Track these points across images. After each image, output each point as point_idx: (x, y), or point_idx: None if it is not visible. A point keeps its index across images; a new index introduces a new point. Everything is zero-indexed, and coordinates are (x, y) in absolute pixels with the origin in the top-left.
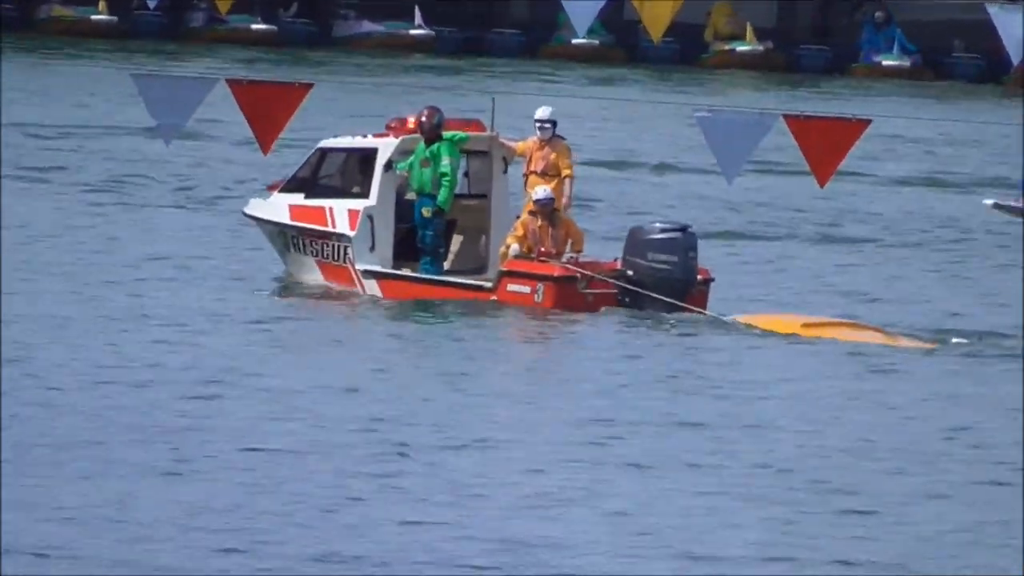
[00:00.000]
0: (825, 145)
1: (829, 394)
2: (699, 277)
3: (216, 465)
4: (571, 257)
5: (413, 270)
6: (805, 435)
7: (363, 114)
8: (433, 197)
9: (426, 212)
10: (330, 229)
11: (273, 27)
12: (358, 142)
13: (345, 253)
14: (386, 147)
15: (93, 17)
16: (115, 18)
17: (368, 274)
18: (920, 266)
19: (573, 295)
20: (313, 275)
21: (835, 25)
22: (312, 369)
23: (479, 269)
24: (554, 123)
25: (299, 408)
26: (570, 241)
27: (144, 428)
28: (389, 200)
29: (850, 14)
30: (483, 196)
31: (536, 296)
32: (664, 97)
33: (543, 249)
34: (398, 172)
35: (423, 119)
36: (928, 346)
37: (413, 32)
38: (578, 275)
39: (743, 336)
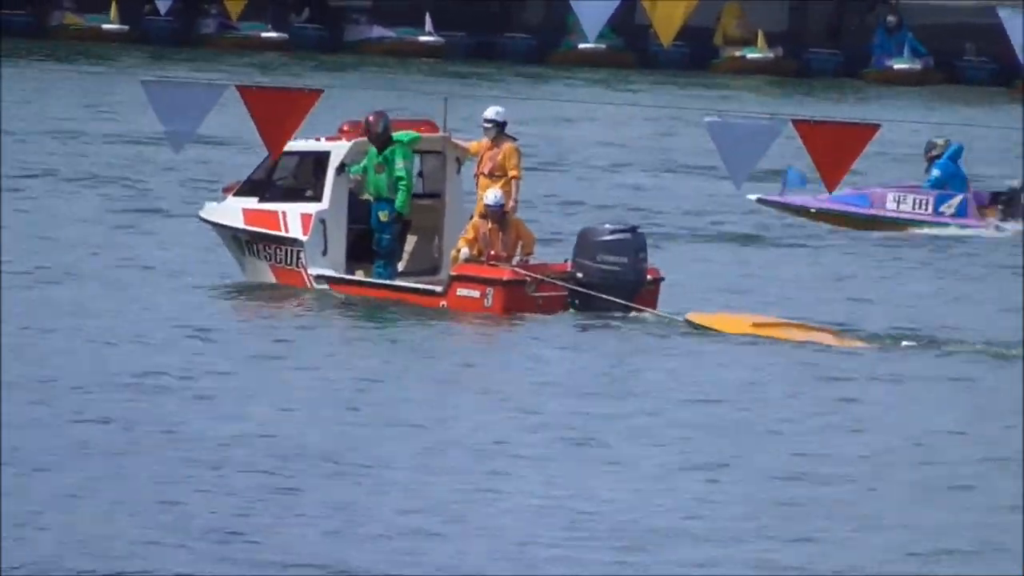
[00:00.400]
0: (834, 150)
1: (779, 395)
2: (650, 277)
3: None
4: (522, 260)
5: (367, 271)
6: (751, 436)
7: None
8: (390, 201)
9: (383, 216)
10: (283, 234)
11: (284, 34)
12: (311, 145)
13: (298, 257)
14: (339, 150)
15: (104, 25)
16: (126, 26)
17: (320, 279)
18: (889, 268)
19: (522, 298)
20: (268, 279)
21: (847, 28)
22: (245, 376)
23: (433, 270)
24: (500, 123)
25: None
26: (520, 244)
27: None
28: (342, 203)
29: (862, 17)
30: (437, 196)
31: (485, 300)
32: (673, 101)
33: (493, 252)
34: (352, 176)
35: (370, 125)
36: (877, 348)
37: (423, 39)
38: (527, 278)
39: (692, 335)
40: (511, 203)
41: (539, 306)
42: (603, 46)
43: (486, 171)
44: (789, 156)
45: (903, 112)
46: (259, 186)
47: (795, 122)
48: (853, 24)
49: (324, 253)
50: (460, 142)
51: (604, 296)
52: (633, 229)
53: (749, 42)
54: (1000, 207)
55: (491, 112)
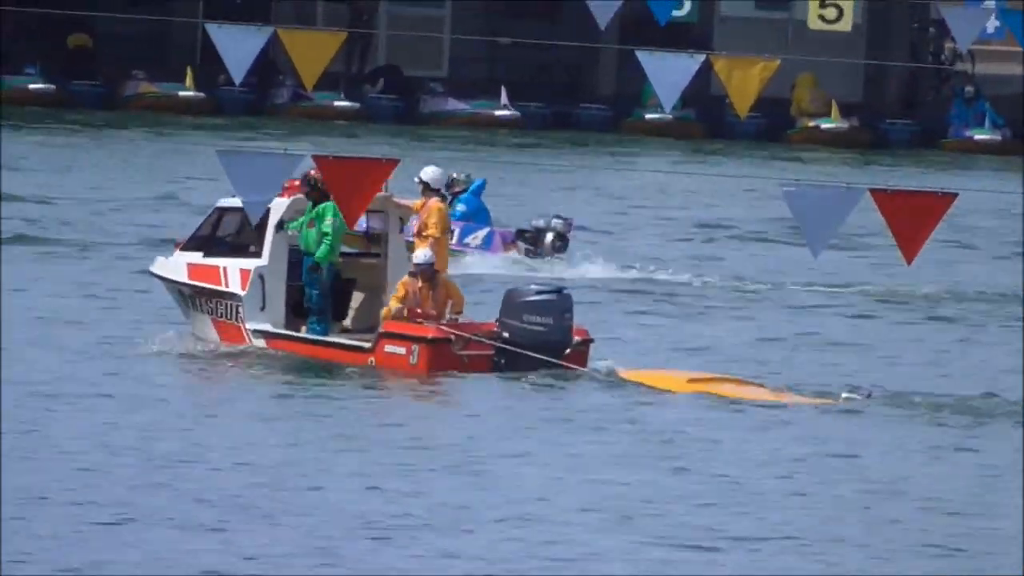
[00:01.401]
0: (911, 219)
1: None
2: (577, 338)
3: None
4: (451, 319)
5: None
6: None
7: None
8: (312, 255)
9: (308, 265)
10: (223, 288)
11: (356, 104)
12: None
13: (237, 312)
14: (278, 207)
15: (181, 93)
16: (202, 94)
17: (258, 333)
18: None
19: (447, 356)
20: (211, 333)
21: (922, 99)
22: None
23: (376, 327)
24: (425, 183)
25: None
26: (451, 303)
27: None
28: (281, 259)
29: (937, 88)
30: (379, 255)
31: (411, 358)
32: (750, 171)
33: (420, 311)
34: (289, 232)
35: (308, 179)
36: (816, 402)
37: (498, 113)
38: (452, 337)
39: (621, 391)
40: (440, 261)
41: (465, 364)
42: (670, 117)
43: (415, 230)
44: (872, 225)
45: (980, 182)
46: (203, 241)
47: (872, 191)
48: (928, 95)
49: (262, 308)
50: (403, 201)
51: (531, 354)
52: (559, 290)
53: (823, 113)
54: (524, 243)
55: (423, 172)
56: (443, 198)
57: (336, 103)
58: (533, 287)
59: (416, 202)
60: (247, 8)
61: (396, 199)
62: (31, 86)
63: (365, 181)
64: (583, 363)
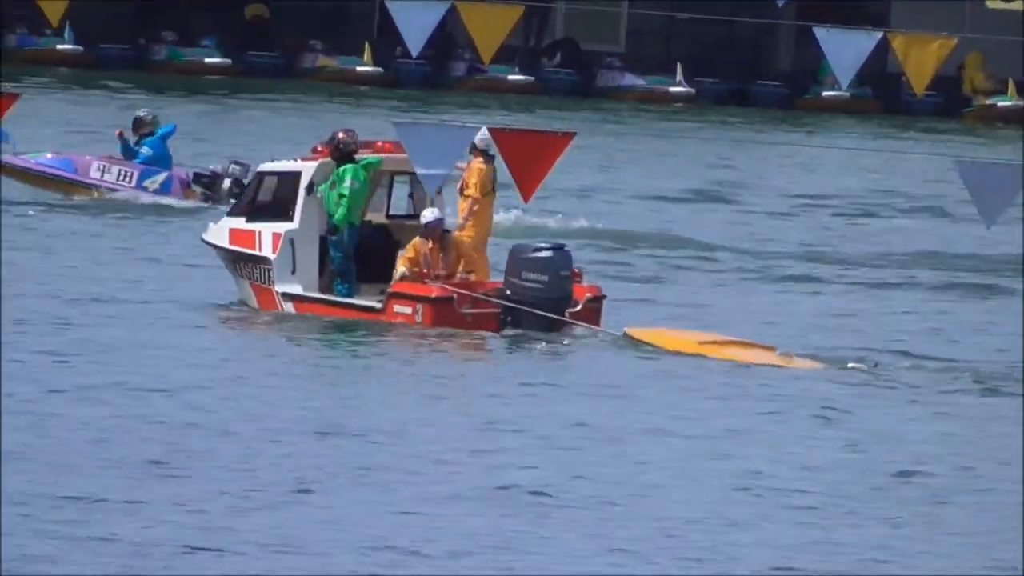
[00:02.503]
0: None
1: (714, 414)
2: (589, 295)
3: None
4: (462, 278)
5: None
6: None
7: (620, 165)
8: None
9: (331, 231)
10: (257, 252)
11: (532, 77)
12: (287, 165)
13: (269, 276)
14: (308, 170)
15: (359, 67)
16: (380, 68)
17: (286, 296)
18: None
19: (451, 315)
20: (250, 298)
21: None
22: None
23: None
24: (472, 144)
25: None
26: (462, 262)
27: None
28: (312, 223)
29: None
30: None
31: (416, 316)
32: (931, 148)
33: (426, 271)
34: (318, 195)
35: (334, 141)
36: (823, 367)
37: (674, 89)
38: (455, 295)
39: (625, 351)
40: (459, 220)
41: (469, 323)
42: (847, 94)
43: (458, 189)
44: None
45: None
46: (246, 207)
47: None
48: None
49: (293, 272)
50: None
51: (536, 312)
52: (559, 247)
53: (999, 91)
54: (201, 189)
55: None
56: (488, 158)
57: (511, 76)
58: (533, 244)
59: (463, 163)
60: None
61: None
62: (207, 59)
63: (541, 154)
64: (595, 320)
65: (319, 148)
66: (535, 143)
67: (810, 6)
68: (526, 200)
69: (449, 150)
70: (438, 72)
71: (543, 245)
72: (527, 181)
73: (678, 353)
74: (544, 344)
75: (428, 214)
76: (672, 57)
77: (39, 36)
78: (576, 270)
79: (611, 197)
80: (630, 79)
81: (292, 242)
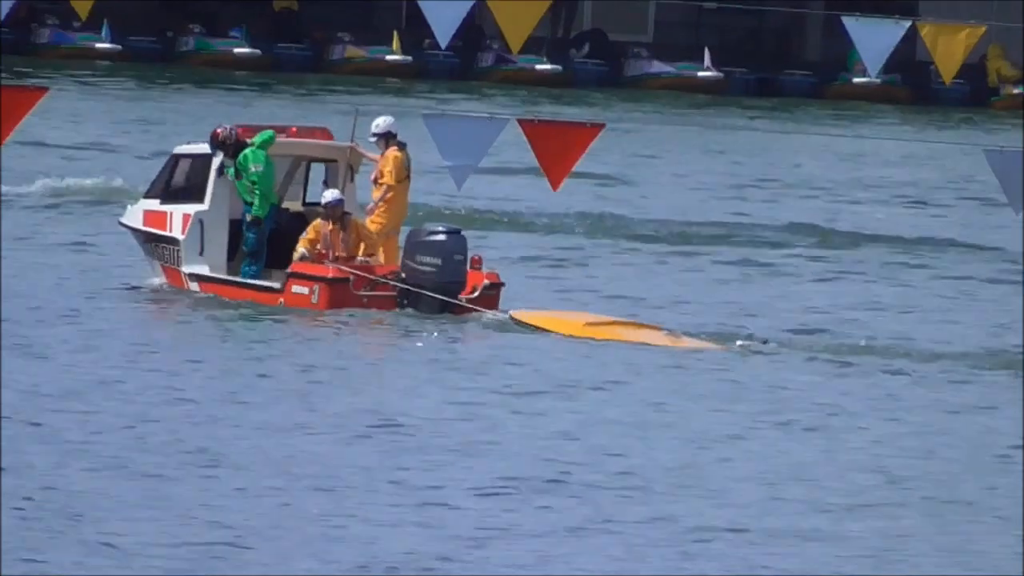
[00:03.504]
0: None
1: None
2: (487, 281)
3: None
4: (362, 261)
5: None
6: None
7: (650, 153)
8: (251, 205)
9: (248, 218)
10: (167, 233)
11: (558, 67)
12: (199, 148)
13: (178, 256)
14: (219, 153)
15: (388, 57)
16: (409, 58)
17: (193, 277)
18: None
19: (346, 296)
20: (161, 278)
21: None
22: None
23: None
24: (383, 135)
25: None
26: (363, 245)
27: None
28: (222, 205)
29: None
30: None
31: (312, 297)
32: (957, 137)
33: (326, 252)
34: (230, 178)
35: (214, 137)
36: (711, 346)
37: (702, 74)
38: (350, 276)
39: (513, 333)
40: (372, 205)
41: (364, 304)
42: (878, 81)
43: (373, 178)
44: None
45: None
46: (160, 188)
47: None
48: None
49: (201, 253)
50: (365, 152)
51: (430, 295)
52: (452, 231)
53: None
54: None
55: (372, 125)
56: (400, 146)
57: (539, 66)
58: (428, 228)
59: (376, 154)
60: None
61: (360, 149)
62: (236, 50)
63: (569, 145)
64: (492, 307)
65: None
66: (564, 134)
67: None
68: (554, 188)
69: (476, 142)
70: (467, 62)
71: (439, 229)
72: (556, 171)
73: (563, 335)
74: (431, 326)
75: (328, 195)
76: (700, 46)
77: (69, 31)
78: (476, 256)
79: (629, 186)
80: (658, 66)
81: (201, 223)
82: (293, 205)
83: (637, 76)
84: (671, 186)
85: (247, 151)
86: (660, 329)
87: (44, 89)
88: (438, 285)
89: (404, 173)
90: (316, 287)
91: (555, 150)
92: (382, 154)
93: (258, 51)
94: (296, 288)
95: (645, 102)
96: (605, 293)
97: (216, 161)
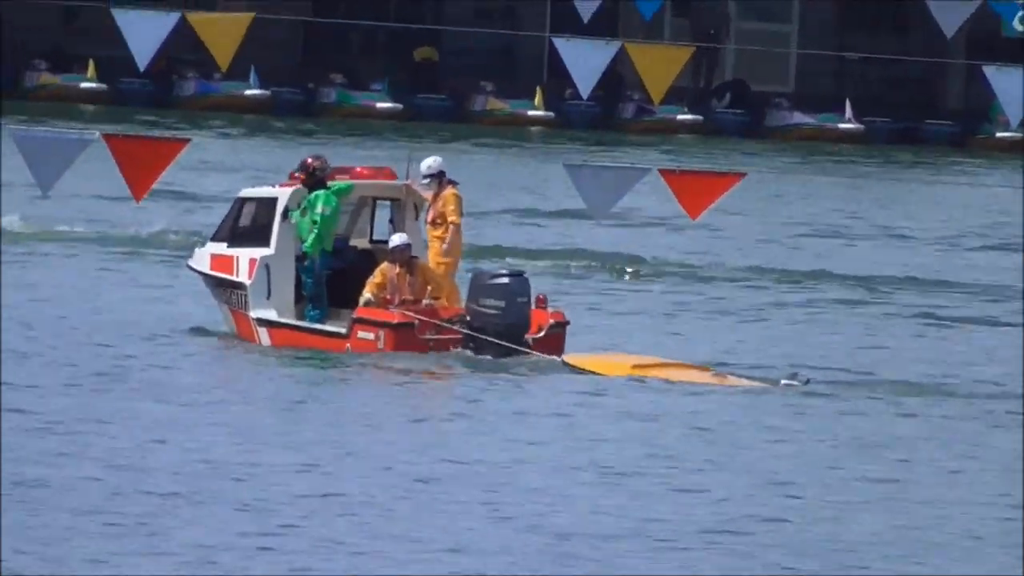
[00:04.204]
0: None
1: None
2: (552, 321)
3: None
4: (428, 304)
5: (329, 315)
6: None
7: (785, 198)
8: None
9: (298, 252)
10: (234, 278)
11: (700, 117)
12: (265, 191)
13: (246, 301)
14: (284, 196)
15: (530, 112)
16: (552, 114)
17: (260, 322)
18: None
19: (412, 340)
20: (230, 323)
21: None
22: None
23: None
24: (436, 175)
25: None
26: (429, 288)
27: None
28: (288, 248)
29: None
30: None
31: (379, 343)
32: None
33: (392, 296)
34: (292, 221)
35: (304, 168)
36: (757, 385)
37: (843, 126)
38: (416, 321)
39: (564, 377)
40: (446, 246)
41: (430, 347)
42: (1020, 134)
43: (429, 219)
44: None
45: None
46: (227, 232)
47: None
48: None
49: (268, 297)
50: (420, 190)
51: (491, 339)
52: (515, 274)
53: None
54: None
55: (424, 166)
56: (453, 184)
57: (680, 116)
58: (492, 271)
59: (429, 194)
60: (594, 22)
61: (415, 187)
62: (379, 104)
63: (709, 190)
64: (558, 346)
65: (294, 175)
66: (705, 182)
67: (981, 43)
68: (693, 218)
69: (616, 188)
70: (607, 113)
71: (502, 272)
72: (695, 208)
73: (613, 376)
74: (488, 371)
75: (396, 239)
76: (842, 96)
77: (211, 80)
78: (540, 296)
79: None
80: (799, 117)
81: (268, 267)
82: (360, 242)
83: (778, 127)
84: (784, 229)
85: (321, 192)
86: (708, 370)
87: (185, 140)
88: (502, 327)
89: (462, 210)
90: (382, 332)
91: (695, 195)
92: (436, 194)
93: (399, 105)
94: (362, 334)
95: (787, 153)
96: (688, 337)
97: (281, 204)
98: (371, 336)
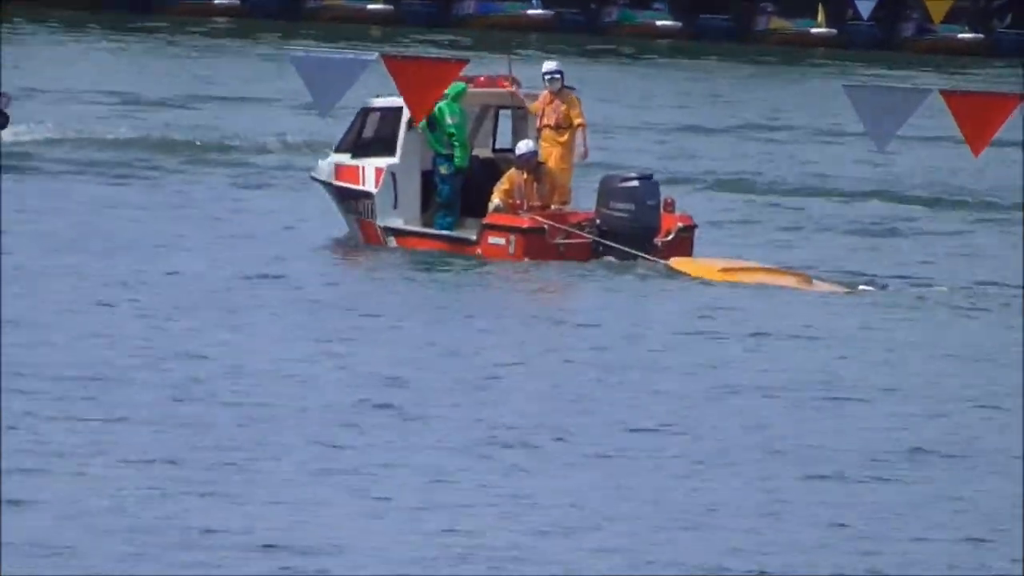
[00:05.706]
0: None
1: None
2: (680, 224)
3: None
4: (556, 209)
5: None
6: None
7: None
8: (447, 157)
9: (443, 170)
10: (361, 187)
11: (980, 36)
12: (390, 102)
13: (372, 210)
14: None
15: (813, 30)
16: (834, 31)
17: (387, 230)
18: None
19: (543, 246)
20: (356, 231)
21: None
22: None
23: None
24: (562, 74)
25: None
26: (556, 193)
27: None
28: (413, 157)
29: None
30: None
31: (509, 248)
32: None
33: (520, 202)
34: (420, 131)
35: None
36: (839, 290)
37: None
38: (546, 226)
39: (658, 280)
40: (581, 150)
41: (560, 253)
42: None
43: (551, 123)
44: None
45: None
46: (350, 143)
47: None
48: None
49: (394, 206)
50: (523, 98)
51: (622, 248)
52: (646, 177)
53: None
54: None
55: (551, 64)
56: (572, 88)
57: (961, 35)
58: (621, 174)
59: (534, 103)
60: None
61: (519, 94)
62: (658, 22)
63: (991, 114)
64: (687, 249)
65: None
66: (985, 104)
67: None
68: (976, 155)
69: (898, 111)
70: (888, 33)
71: (631, 175)
72: (977, 140)
73: (703, 280)
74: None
75: (522, 146)
76: None
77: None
78: (668, 199)
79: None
80: None
81: (394, 176)
82: (483, 152)
83: None
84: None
85: (441, 104)
86: (795, 274)
87: (464, 61)
88: (632, 230)
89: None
90: (512, 238)
91: (978, 119)
92: (548, 95)
93: (679, 23)
94: (492, 239)
95: None
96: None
97: (406, 114)
98: (502, 241)
